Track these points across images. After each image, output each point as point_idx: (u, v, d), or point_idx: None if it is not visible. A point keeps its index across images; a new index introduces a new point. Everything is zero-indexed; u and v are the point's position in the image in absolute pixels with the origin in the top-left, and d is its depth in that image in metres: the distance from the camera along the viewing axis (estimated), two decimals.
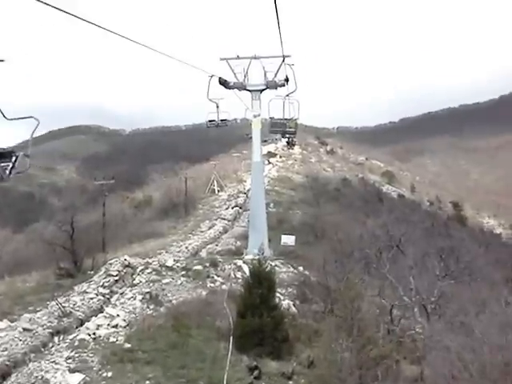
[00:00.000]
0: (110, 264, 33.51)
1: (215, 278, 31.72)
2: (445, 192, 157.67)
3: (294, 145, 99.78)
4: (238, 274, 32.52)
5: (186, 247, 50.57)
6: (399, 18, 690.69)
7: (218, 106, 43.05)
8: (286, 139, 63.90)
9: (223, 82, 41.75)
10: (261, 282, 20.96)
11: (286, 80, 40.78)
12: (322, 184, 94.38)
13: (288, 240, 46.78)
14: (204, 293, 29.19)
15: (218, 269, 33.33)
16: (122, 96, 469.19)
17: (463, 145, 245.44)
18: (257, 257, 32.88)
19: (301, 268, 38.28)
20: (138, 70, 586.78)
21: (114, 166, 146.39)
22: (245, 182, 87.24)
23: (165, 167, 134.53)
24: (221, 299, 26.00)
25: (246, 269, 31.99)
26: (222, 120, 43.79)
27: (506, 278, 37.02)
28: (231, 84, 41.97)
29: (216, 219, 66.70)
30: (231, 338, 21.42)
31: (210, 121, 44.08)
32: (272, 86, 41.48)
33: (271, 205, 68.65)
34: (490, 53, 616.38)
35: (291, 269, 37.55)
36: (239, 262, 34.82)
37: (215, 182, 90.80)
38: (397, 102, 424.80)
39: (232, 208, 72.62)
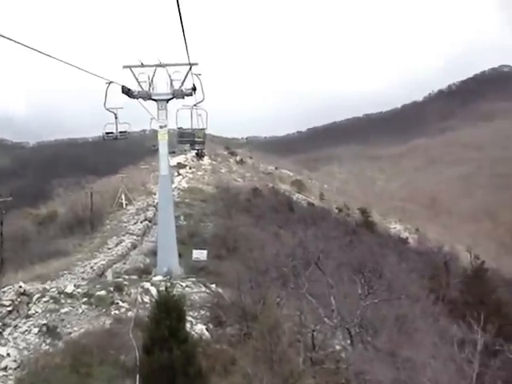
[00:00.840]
0: (3, 292, 30.01)
1: (120, 303, 28.95)
2: (352, 199, 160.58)
3: (203, 155, 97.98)
4: (146, 298, 29.97)
5: (92, 267, 47.08)
6: (307, 28, 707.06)
7: (116, 117, 40.00)
8: (195, 150, 61.92)
9: (127, 91, 39.11)
10: (169, 313, 18.70)
11: (194, 89, 38.84)
12: (232, 194, 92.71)
13: (200, 255, 44.68)
14: (108, 322, 26.47)
15: (124, 293, 30.53)
16: (25, 107, 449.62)
17: (368, 153, 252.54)
18: (165, 279, 30.50)
19: (213, 286, 36.32)
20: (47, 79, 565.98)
21: (16, 181, 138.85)
22: (154, 194, 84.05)
23: (71, 181, 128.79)
24: (126, 329, 23.48)
25: (154, 292, 29.58)
26: (121, 132, 40.42)
27: (426, 289, 36.78)
28: (135, 93, 39.41)
29: (124, 235, 63.24)
30: (137, 376, 19.02)
31: (108, 133, 40.14)
32: (179, 95, 39.36)
33: (181, 218, 66.38)
34: (392, 62, 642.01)
35: (203, 288, 35.37)
36: (147, 285, 32.26)
37: (123, 195, 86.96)
38: (304, 112, 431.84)
39: (141, 222, 69.38)
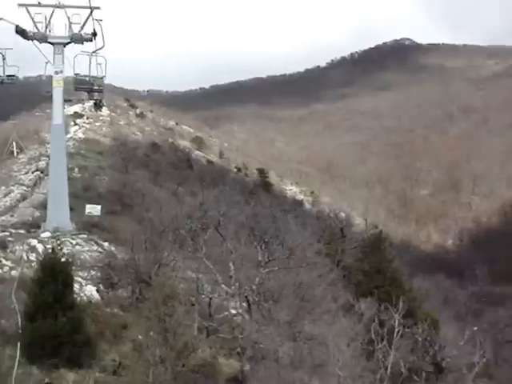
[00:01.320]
0: None
1: (3, 262, 26.93)
2: (251, 159, 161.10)
3: (101, 106, 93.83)
4: (32, 257, 28.03)
5: None
6: None
7: (4, 58, 36.79)
8: (93, 100, 58.75)
9: (21, 32, 36.08)
10: (55, 276, 17.26)
11: (94, 35, 36.41)
12: (130, 148, 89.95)
13: (93, 210, 42.74)
14: None
15: (8, 250, 28.45)
16: None
17: (269, 114, 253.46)
18: (55, 235, 28.61)
19: (106, 244, 34.74)
20: None
21: None
22: (48, 143, 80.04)
23: None
24: (9, 290, 21.66)
25: (41, 250, 27.69)
26: (8, 76, 37.29)
27: (322, 255, 37.11)
28: (30, 34, 36.45)
29: (13, 185, 59.80)
30: (18, 344, 17.50)
31: None
32: (77, 39, 36.77)
33: (76, 170, 63.51)
34: (299, 27, 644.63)
35: (95, 246, 33.73)
36: (33, 242, 30.20)
37: (14, 143, 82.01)
38: (208, 70, 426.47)
39: (32, 172, 65.79)
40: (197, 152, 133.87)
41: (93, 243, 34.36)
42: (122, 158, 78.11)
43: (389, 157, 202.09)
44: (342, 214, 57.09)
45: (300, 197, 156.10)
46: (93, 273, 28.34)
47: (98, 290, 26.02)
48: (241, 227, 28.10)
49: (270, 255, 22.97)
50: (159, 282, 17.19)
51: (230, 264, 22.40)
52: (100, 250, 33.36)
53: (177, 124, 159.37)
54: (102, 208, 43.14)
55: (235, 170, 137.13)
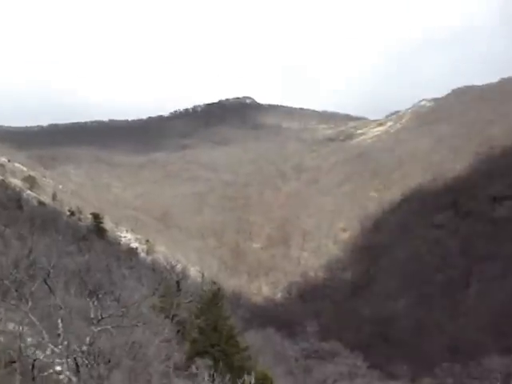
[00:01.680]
0: None
1: None
2: (86, 203, 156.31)
3: None
4: None
5: None
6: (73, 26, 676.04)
7: None
8: None
9: None
10: None
11: None
12: None
13: None
14: None
15: None
16: None
17: (108, 159, 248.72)
18: None
19: None
20: None
21: None
22: None
23: None
24: None
25: None
26: None
27: (157, 308, 36.05)
28: None
29: None
30: None
31: None
32: None
33: None
34: (146, 76, 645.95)
35: None
36: None
37: None
38: (45, 107, 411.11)
39: None
40: (29, 192, 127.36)
41: None
42: None
43: (224, 209, 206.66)
44: (179, 267, 55.90)
45: (135, 244, 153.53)
46: None
47: None
48: (72, 277, 26.74)
49: (103, 312, 21.67)
50: None
51: (59, 321, 20.93)
52: None
53: (9, 161, 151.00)
54: None
55: (68, 213, 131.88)
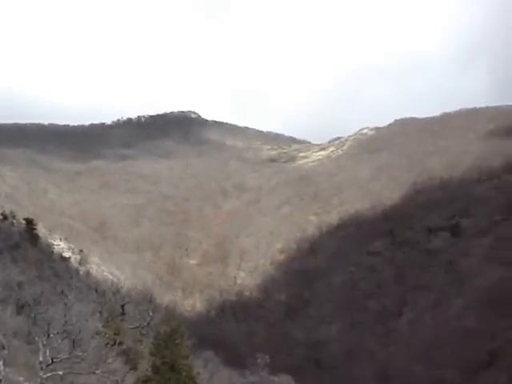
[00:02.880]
0: None
1: None
2: (20, 208, 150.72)
3: None
4: None
5: None
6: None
7: None
8: None
9: None
10: None
11: None
12: None
13: None
14: None
15: None
16: None
17: (45, 163, 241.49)
18: None
19: None
20: None
21: None
22: None
23: None
24: None
25: None
26: None
27: (102, 335, 33.48)
28: None
29: None
30: None
31: None
32: None
33: None
34: (90, 79, 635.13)
35: None
36: None
37: None
38: None
39: None
40: None
41: None
42: None
43: (162, 223, 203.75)
44: (123, 288, 51.57)
45: (68, 254, 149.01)
46: None
47: None
48: (8, 293, 24.21)
49: (54, 356, 18.82)
50: None
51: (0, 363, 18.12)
52: None
53: None
54: None
55: (1, 217, 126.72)
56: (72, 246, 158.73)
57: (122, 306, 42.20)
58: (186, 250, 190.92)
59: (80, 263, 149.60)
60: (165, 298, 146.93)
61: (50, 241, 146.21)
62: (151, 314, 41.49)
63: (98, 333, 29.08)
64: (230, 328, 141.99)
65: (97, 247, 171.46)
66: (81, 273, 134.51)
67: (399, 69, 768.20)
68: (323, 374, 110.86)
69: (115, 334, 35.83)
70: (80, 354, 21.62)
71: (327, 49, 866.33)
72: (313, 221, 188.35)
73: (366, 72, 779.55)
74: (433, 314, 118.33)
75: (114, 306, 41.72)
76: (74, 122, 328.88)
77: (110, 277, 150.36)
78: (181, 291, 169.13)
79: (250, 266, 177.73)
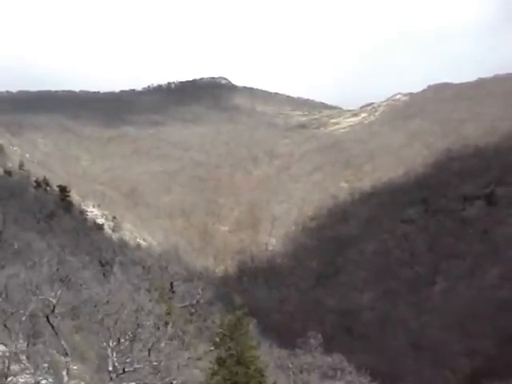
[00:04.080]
0: None
1: None
2: (53, 175, 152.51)
3: None
4: None
5: None
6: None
7: None
8: None
9: None
10: None
11: None
12: None
13: None
14: None
15: None
16: None
17: (77, 130, 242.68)
18: None
19: None
20: None
21: None
22: None
23: None
24: None
25: None
26: None
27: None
28: None
29: None
30: None
31: None
32: None
33: None
34: (122, 47, 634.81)
35: None
36: None
37: None
38: (18, 72, 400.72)
39: None
40: None
41: None
42: None
43: (194, 190, 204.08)
44: (176, 268, 46.51)
45: (101, 221, 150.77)
46: None
47: None
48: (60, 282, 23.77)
49: (124, 362, 17.00)
50: None
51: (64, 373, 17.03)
52: None
53: None
54: None
55: (35, 184, 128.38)
56: (105, 212, 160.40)
57: (171, 284, 40.31)
58: (218, 216, 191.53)
59: (113, 230, 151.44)
60: (197, 263, 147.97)
61: (83, 208, 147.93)
62: (200, 291, 39.87)
63: (149, 314, 27.19)
64: (262, 294, 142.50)
65: (129, 214, 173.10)
66: (114, 239, 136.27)
67: (434, 35, 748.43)
68: (355, 343, 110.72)
69: (167, 314, 33.92)
70: (155, 362, 19.70)
71: (362, 14, 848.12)
72: (344, 188, 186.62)
73: (401, 39, 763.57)
74: (467, 284, 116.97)
75: (164, 283, 39.78)
76: (104, 90, 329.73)
77: (144, 243, 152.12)
78: (212, 258, 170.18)
79: (281, 233, 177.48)
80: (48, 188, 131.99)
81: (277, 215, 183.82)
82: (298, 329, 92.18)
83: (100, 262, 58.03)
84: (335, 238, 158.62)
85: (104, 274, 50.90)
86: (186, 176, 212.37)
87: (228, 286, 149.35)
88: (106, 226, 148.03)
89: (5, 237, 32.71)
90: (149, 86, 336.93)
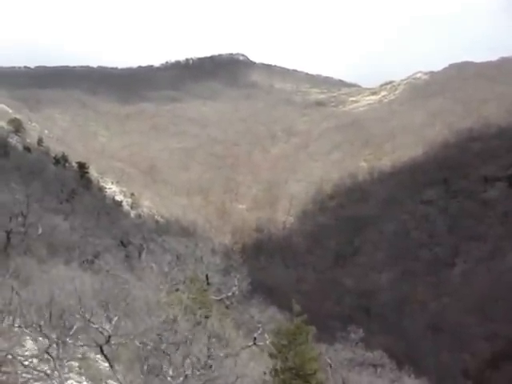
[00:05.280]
0: None
1: None
2: (72, 151, 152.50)
3: None
4: None
5: None
6: None
7: None
8: None
9: None
10: None
11: None
12: None
13: None
14: None
15: None
16: None
17: (95, 106, 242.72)
18: None
19: None
20: None
21: None
22: None
23: None
24: None
25: None
26: None
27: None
28: None
29: None
30: None
31: None
32: None
33: None
34: (139, 25, 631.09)
35: None
36: None
37: None
38: (35, 47, 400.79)
39: None
40: (14, 136, 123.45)
41: None
42: None
43: (211, 167, 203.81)
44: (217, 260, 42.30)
45: (120, 197, 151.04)
46: None
47: None
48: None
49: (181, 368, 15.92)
50: None
51: None
52: None
53: None
54: None
55: (54, 160, 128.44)
56: (123, 189, 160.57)
57: (207, 276, 37.83)
58: (236, 194, 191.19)
59: (132, 207, 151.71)
60: (215, 241, 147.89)
61: (102, 184, 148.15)
62: (236, 283, 37.67)
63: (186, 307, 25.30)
64: (279, 273, 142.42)
65: (147, 190, 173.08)
66: (133, 216, 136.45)
67: (455, 14, 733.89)
68: (373, 323, 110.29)
69: (202, 308, 30.63)
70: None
71: None
72: (364, 167, 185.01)
73: (418, 17, 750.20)
74: (487, 267, 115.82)
75: (198, 275, 37.18)
76: (122, 65, 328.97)
77: (162, 220, 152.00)
78: (230, 235, 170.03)
79: (299, 212, 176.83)
80: (67, 164, 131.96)
81: (295, 194, 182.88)
82: (316, 309, 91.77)
83: (121, 242, 57.97)
84: (354, 217, 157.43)
85: (126, 256, 50.74)
86: (204, 153, 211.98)
87: (247, 264, 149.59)
88: (124, 203, 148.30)
89: (29, 220, 32.41)
90: (167, 62, 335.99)
